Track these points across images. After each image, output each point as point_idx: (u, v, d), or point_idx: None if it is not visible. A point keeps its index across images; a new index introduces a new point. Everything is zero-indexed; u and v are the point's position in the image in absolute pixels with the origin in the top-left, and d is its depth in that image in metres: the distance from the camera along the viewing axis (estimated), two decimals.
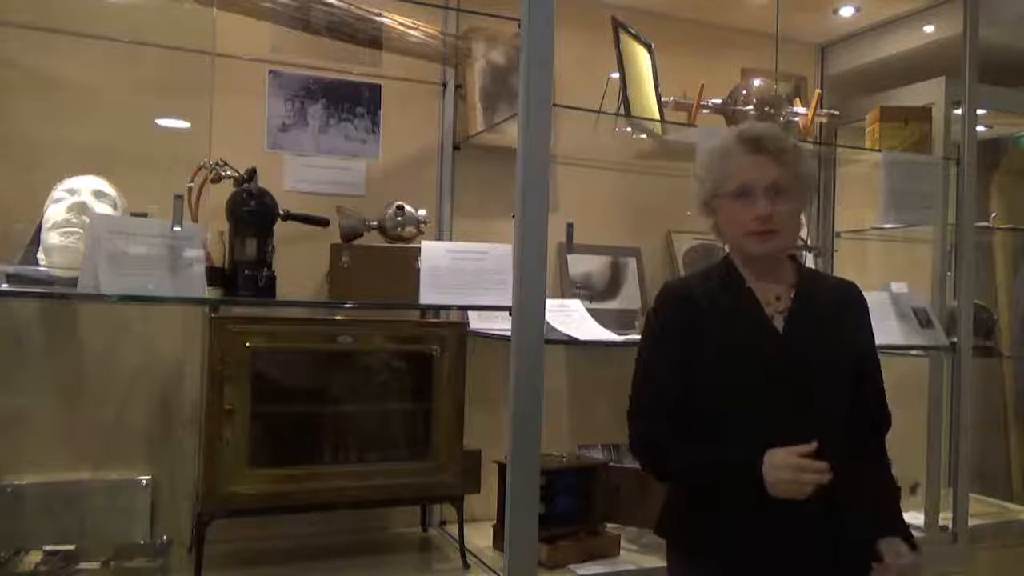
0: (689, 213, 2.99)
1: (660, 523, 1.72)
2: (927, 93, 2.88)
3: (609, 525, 2.41)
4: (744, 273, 1.66)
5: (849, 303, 1.69)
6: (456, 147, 2.64)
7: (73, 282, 1.86)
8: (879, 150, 2.80)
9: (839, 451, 1.51)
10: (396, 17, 2.43)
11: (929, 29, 2.95)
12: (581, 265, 2.82)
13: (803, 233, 1.88)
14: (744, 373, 1.57)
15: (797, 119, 2.84)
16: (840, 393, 1.60)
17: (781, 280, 1.66)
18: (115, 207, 2.04)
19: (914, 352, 2.78)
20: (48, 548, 2.02)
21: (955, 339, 2.73)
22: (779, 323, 1.61)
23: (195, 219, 2.09)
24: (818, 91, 3.07)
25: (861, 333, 1.68)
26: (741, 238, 1.62)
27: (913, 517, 2.62)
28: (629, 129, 2.68)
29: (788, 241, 1.64)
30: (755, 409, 1.55)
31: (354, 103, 2.41)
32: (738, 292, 1.65)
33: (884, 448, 1.71)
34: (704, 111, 2.77)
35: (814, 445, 1.44)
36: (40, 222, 2.01)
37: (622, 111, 2.48)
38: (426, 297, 2.16)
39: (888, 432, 1.72)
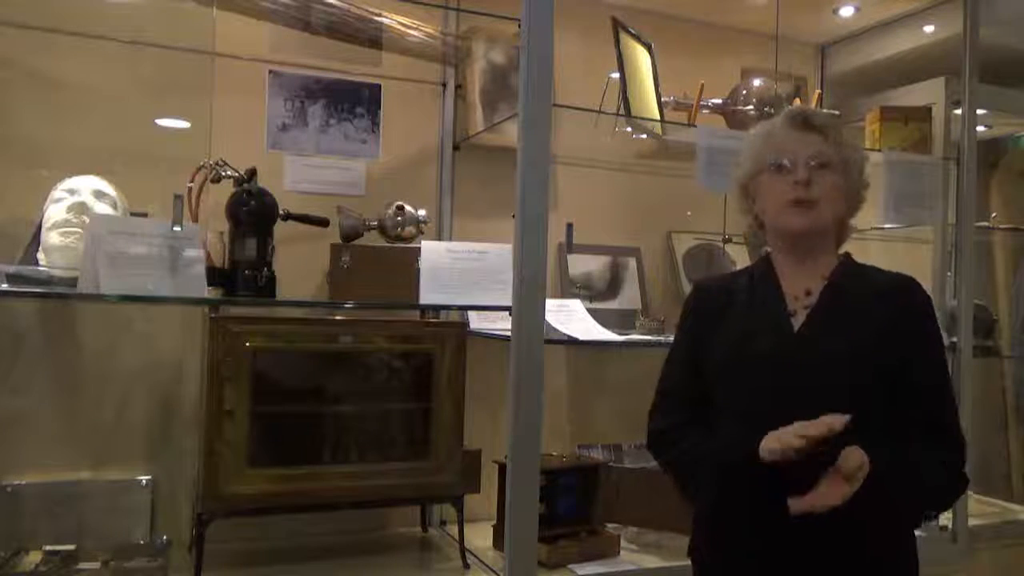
0: (689, 213, 3.02)
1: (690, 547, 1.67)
2: (927, 93, 2.88)
3: (609, 525, 2.41)
4: (779, 267, 1.59)
5: (891, 300, 1.51)
6: (456, 147, 2.64)
7: (73, 282, 1.86)
8: (879, 150, 2.80)
9: None
10: (396, 17, 2.43)
11: (929, 29, 2.94)
12: (581, 265, 2.82)
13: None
14: (748, 371, 1.52)
15: None
16: (857, 398, 1.42)
17: (817, 272, 1.55)
18: (115, 207, 2.04)
19: None
20: (48, 548, 2.02)
21: (955, 339, 2.73)
22: (798, 320, 1.52)
23: (195, 219, 2.09)
24: (818, 91, 3.08)
25: (899, 333, 1.48)
26: (780, 213, 1.54)
27: None
28: (629, 129, 2.68)
29: (827, 220, 1.53)
30: (758, 410, 1.47)
31: (354, 103, 2.41)
32: (763, 287, 1.59)
33: (939, 453, 1.46)
34: (704, 111, 2.77)
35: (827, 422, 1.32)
36: (40, 222, 2.01)
37: (622, 111, 2.48)
38: (426, 297, 2.16)
39: (957, 452, 1.49)
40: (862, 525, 1.41)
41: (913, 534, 1.55)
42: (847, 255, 1.61)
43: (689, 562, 1.66)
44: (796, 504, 1.34)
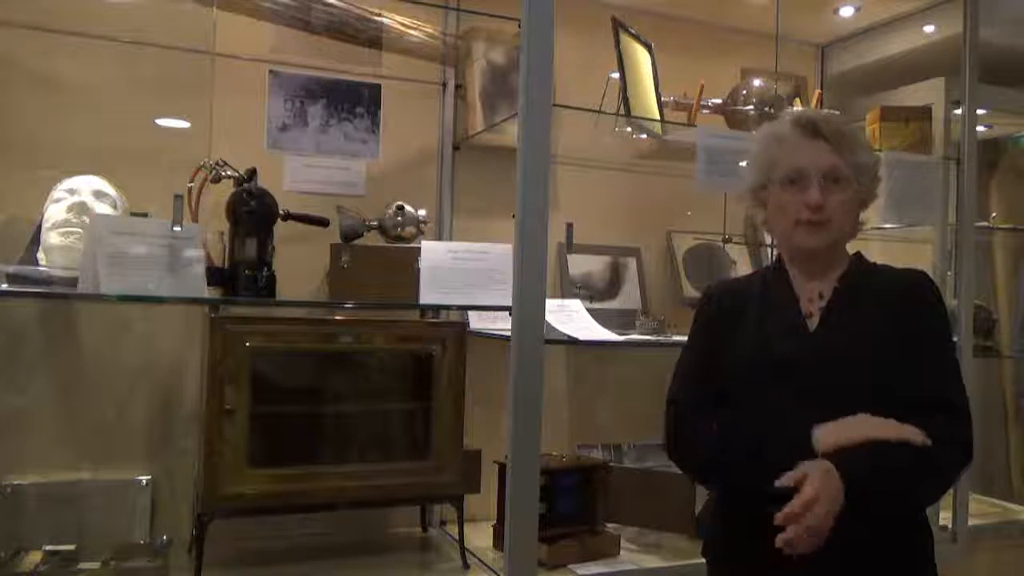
0: (689, 213, 3.02)
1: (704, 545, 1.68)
2: (927, 93, 2.88)
3: (609, 525, 2.41)
4: (791, 270, 1.60)
5: (901, 294, 1.53)
6: (456, 147, 2.64)
7: (73, 282, 1.86)
8: (879, 150, 2.79)
9: None
10: (396, 17, 2.44)
11: (929, 29, 2.95)
12: (581, 265, 2.82)
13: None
14: (766, 374, 1.52)
15: None
16: (874, 395, 1.44)
17: (829, 276, 1.57)
18: (115, 207, 2.04)
19: None
20: (48, 548, 2.02)
21: (955, 339, 2.73)
22: (813, 322, 1.54)
23: (195, 219, 2.10)
24: (818, 91, 3.07)
25: (911, 325, 1.50)
26: (791, 230, 1.54)
27: None
28: (629, 129, 2.68)
29: (840, 235, 1.55)
30: (777, 411, 1.47)
31: (354, 103, 2.40)
32: (777, 290, 1.59)
33: (946, 430, 1.45)
34: (704, 111, 2.77)
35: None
36: (40, 222, 2.01)
37: (622, 111, 2.48)
38: (426, 297, 2.16)
39: (963, 428, 1.48)
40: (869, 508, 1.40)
41: (928, 525, 1.55)
42: (858, 254, 1.62)
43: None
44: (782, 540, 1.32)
